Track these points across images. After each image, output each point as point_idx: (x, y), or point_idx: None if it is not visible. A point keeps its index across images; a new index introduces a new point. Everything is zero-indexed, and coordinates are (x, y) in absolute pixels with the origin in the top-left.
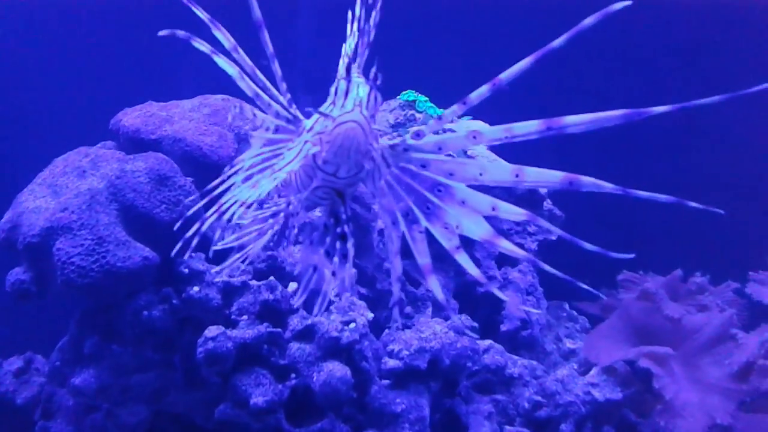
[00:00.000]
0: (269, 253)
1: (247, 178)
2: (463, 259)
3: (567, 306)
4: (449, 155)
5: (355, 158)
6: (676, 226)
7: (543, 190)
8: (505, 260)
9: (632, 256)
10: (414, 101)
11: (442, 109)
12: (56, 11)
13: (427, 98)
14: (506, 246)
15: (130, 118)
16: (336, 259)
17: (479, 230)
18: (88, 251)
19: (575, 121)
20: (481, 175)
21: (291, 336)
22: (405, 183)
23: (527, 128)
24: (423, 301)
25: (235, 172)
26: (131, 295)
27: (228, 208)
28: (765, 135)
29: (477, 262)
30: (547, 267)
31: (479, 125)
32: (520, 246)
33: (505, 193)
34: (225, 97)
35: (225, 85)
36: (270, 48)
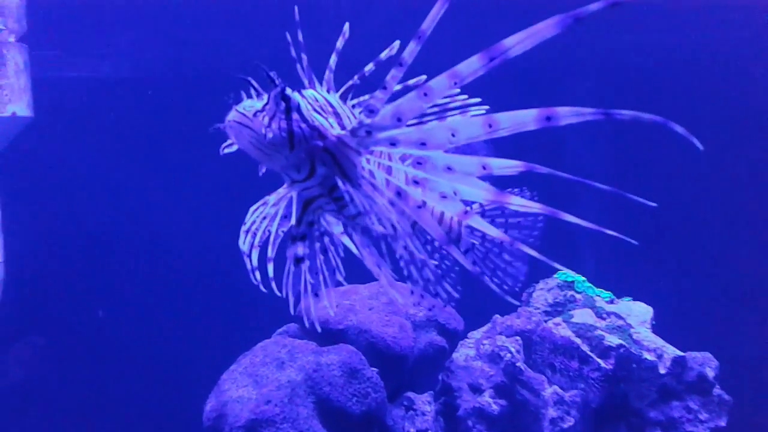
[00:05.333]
0: None
1: None
2: (475, 221)
3: None
4: (413, 124)
5: (258, 152)
6: None
7: (711, 374)
8: None
9: None
10: (572, 282)
11: (601, 290)
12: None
13: (584, 278)
14: (517, 202)
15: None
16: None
17: (479, 192)
18: None
19: (513, 42)
20: (453, 136)
21: None
22: (385, 166)
23: (470, 66)
24: None
25: None
26: None
27: None
28: None
29: None
30: None
31: (642, 307)
32: None
33: (675, 380)
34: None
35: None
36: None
